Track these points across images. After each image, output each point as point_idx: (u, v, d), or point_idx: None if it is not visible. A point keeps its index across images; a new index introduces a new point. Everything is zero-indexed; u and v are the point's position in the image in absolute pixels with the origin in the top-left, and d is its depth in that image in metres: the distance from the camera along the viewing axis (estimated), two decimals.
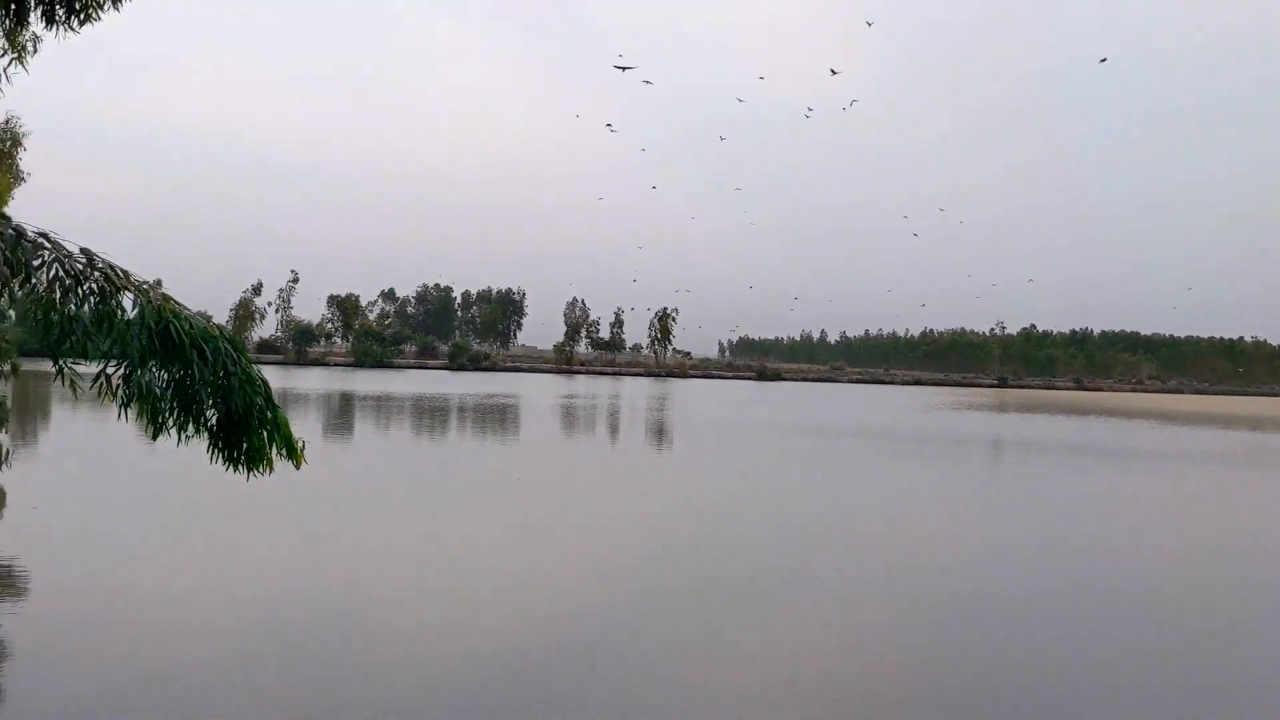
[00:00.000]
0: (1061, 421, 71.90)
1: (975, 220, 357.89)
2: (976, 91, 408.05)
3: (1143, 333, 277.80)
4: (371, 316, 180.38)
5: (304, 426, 36.28)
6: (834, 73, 79.88)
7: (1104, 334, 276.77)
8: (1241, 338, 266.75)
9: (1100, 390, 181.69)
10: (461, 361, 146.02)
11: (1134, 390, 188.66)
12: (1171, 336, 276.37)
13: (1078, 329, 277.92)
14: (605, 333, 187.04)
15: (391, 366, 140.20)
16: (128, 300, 6.77)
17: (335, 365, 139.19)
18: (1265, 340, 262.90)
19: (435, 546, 18.75)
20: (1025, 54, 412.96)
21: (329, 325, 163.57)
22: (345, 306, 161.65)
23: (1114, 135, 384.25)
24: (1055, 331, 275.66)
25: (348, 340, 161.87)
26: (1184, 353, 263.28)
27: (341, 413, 54.95)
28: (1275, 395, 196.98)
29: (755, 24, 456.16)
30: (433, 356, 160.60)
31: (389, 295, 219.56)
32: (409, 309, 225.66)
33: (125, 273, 6.90)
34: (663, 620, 14.19)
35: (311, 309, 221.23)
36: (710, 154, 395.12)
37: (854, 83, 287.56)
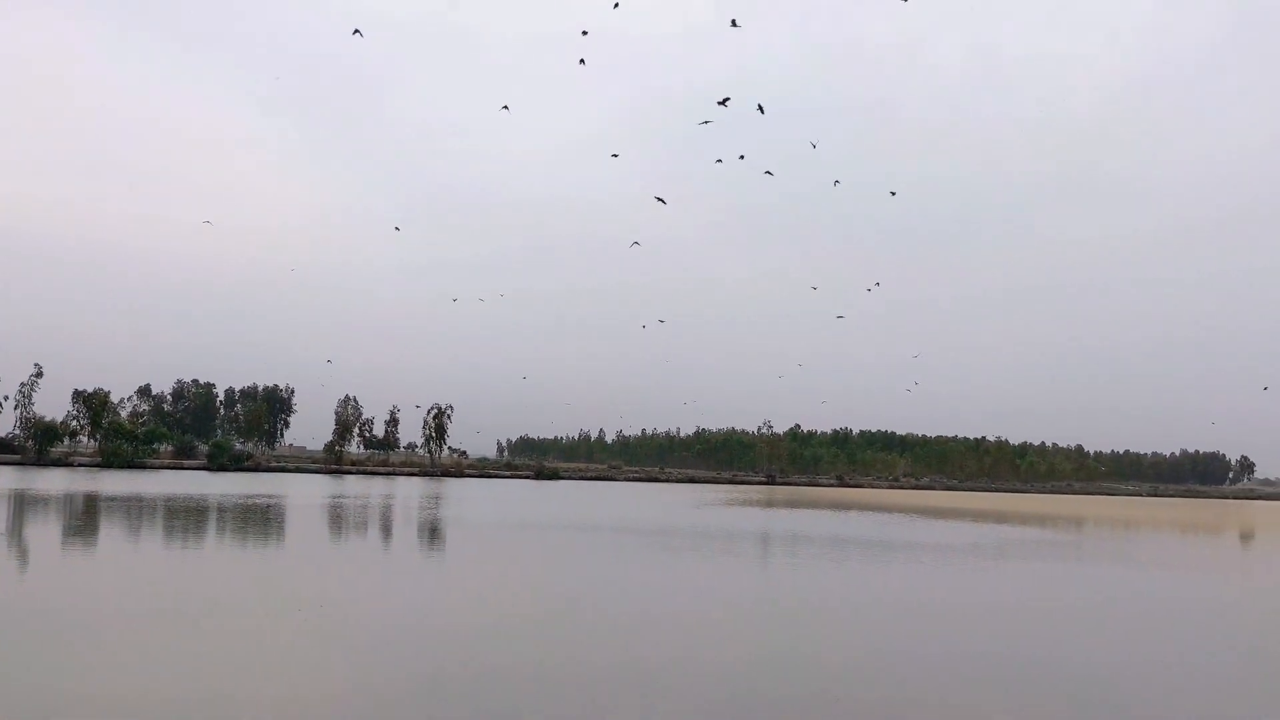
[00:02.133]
0: (825, 516, 74.69)
1: (744, 319, 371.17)
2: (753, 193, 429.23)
3: (898, 433, 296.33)
4: (124, 414, 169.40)
5: None
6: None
7: (863, 433, 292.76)
8: (984, 437, 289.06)
9: (860, 487, 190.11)
10: (222, 461, 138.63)
11: (891, 487, 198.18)
12: (924, 436, 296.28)
13: (839, 429, 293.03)
14: (379, 431, 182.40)
15: (144, 467, 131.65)
16: None
17: (80, 466, 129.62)
18: (1006, 440, 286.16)
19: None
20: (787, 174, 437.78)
21: (74, 423, 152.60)
22: (93, 403, 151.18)
23: (870, 246, 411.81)
24: (819, 431, 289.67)
25: (95, 439, 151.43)
26: (934, 451, 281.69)
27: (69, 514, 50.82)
28: (1017, 491, 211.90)
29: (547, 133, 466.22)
30: (191, 456, 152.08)
31: (144, 392, 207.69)
32: (165, 406, 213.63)
33: None
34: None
35: (57, 406, 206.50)
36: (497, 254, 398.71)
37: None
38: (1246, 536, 73.67)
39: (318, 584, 27.47)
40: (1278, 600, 33.09)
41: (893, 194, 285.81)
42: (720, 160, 70.45)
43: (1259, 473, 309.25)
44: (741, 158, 56.15)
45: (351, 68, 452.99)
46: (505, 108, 30.39)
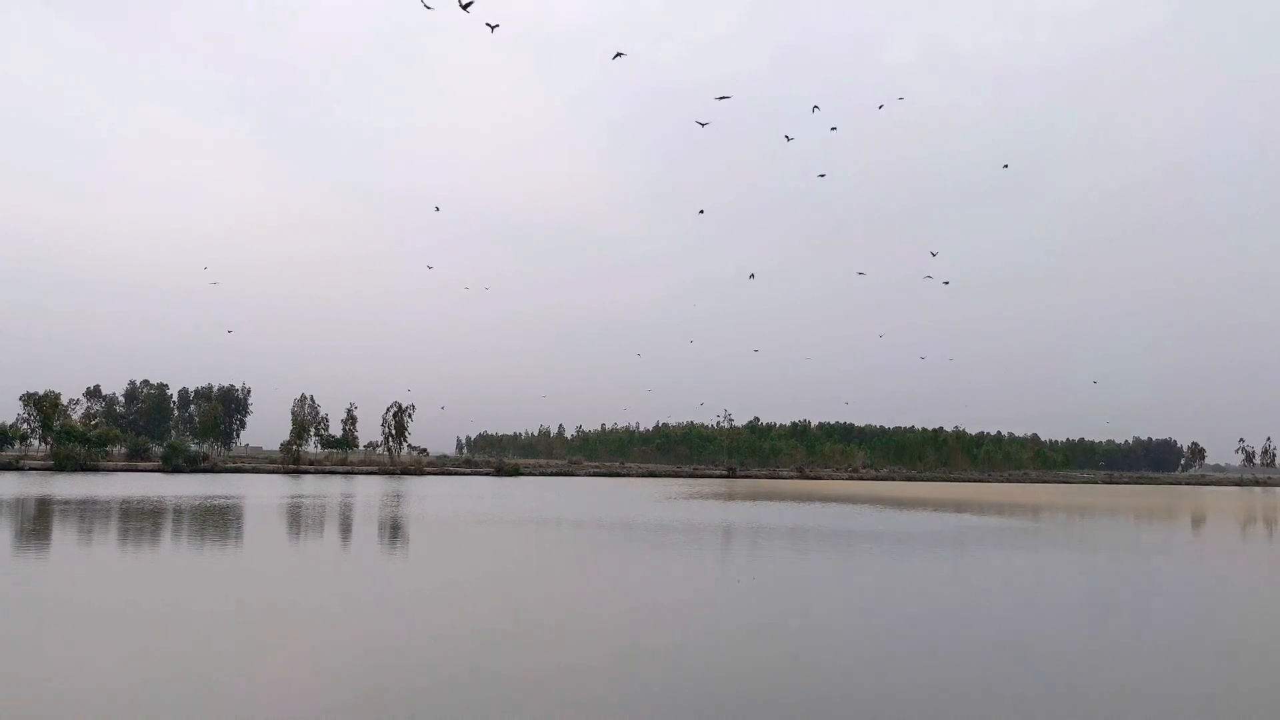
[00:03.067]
0: (786, 508, 75.01)
1: (710, 315, 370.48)
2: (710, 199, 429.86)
3: (856, 424, 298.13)
4: (75, 416, 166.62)
5: None
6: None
7: (821, 425, 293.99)
8: (941, 428, 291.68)
9: (820, 479, 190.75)
10: (177, 463, 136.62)
11: (850, 478, 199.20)
12: (882, 427, 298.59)
13: (798, 421, 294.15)
14: (337, 430, 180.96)
15: (97, 469, 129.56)
16: None
17: (31, 469, 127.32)
18: (963, 430, 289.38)
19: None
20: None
21: (24, 426, 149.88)
22: (43, 405, 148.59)
23: (824, 236, 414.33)
24: (778, 424, 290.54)
25: (46, 442, 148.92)
26: (893, 442, 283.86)
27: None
28: (975, 480, 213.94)
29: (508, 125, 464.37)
30: (145, 458, 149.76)
31: (95, 393, 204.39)
32: (118, 408, 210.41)
33: None
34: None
35: (5, 409, 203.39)
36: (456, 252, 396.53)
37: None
38: (1198, 521, 74.89)
39: (276, 586, 27.18)
40: (1227, 580, 33.66)
41: (821, 176, 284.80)
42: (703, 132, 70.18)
43: (1209, 459, 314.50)
44: (707, 121, 56.12)
45: (297, 69, 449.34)
46: (466, 7, 30.30)
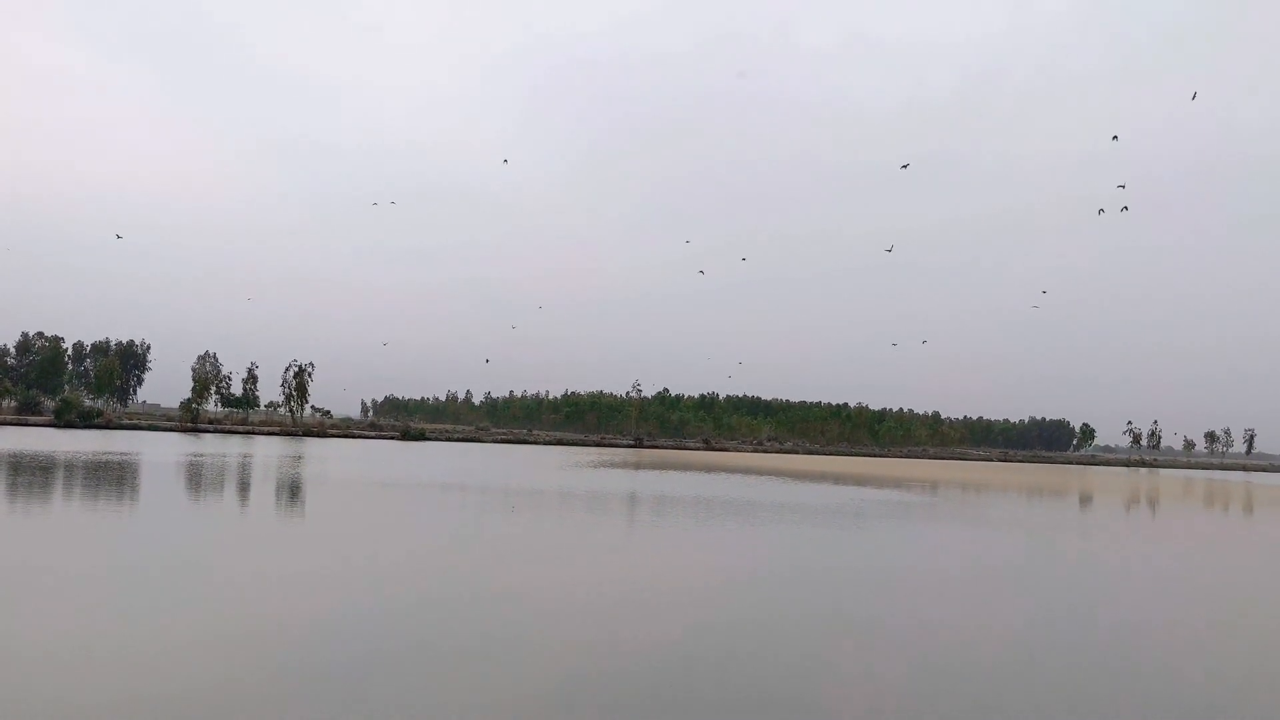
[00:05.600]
0: (691, 478, 75.80)
1: (616, 286, 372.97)
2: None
3: (763, 398, 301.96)
4: None
5: None
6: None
7: (729, 398, 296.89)
8: (846, 404, 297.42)
9: (726, 450, 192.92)
10: (69, 418, 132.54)
11: (755, 451, 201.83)
12: (787, 401, 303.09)
13: (706, 393, 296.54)
14: (238, 389, 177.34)
15: None
16: None
17: None
18: (866, 405, 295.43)
19: None
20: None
21: None
22: None
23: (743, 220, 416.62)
24: (686, 396, 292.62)
25: None
26: (798, 416, 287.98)
27: None
28: (876, 456, 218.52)
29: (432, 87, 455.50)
30: (36, 413, 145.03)
31: None
32: (9, 360, 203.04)
33: None
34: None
35: None
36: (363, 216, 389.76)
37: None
38: (1085, 499, 77.59)
39: (169, 548, 26.67)
40: (1108, 558, 34.98)
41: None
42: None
43: (1099, 440, 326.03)
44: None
45: (203, 11, 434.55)
46: None
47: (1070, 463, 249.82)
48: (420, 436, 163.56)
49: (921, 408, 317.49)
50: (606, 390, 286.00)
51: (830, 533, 37.73)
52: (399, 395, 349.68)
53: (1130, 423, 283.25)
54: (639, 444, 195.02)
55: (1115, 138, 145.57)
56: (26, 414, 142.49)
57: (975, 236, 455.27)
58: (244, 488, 48.60)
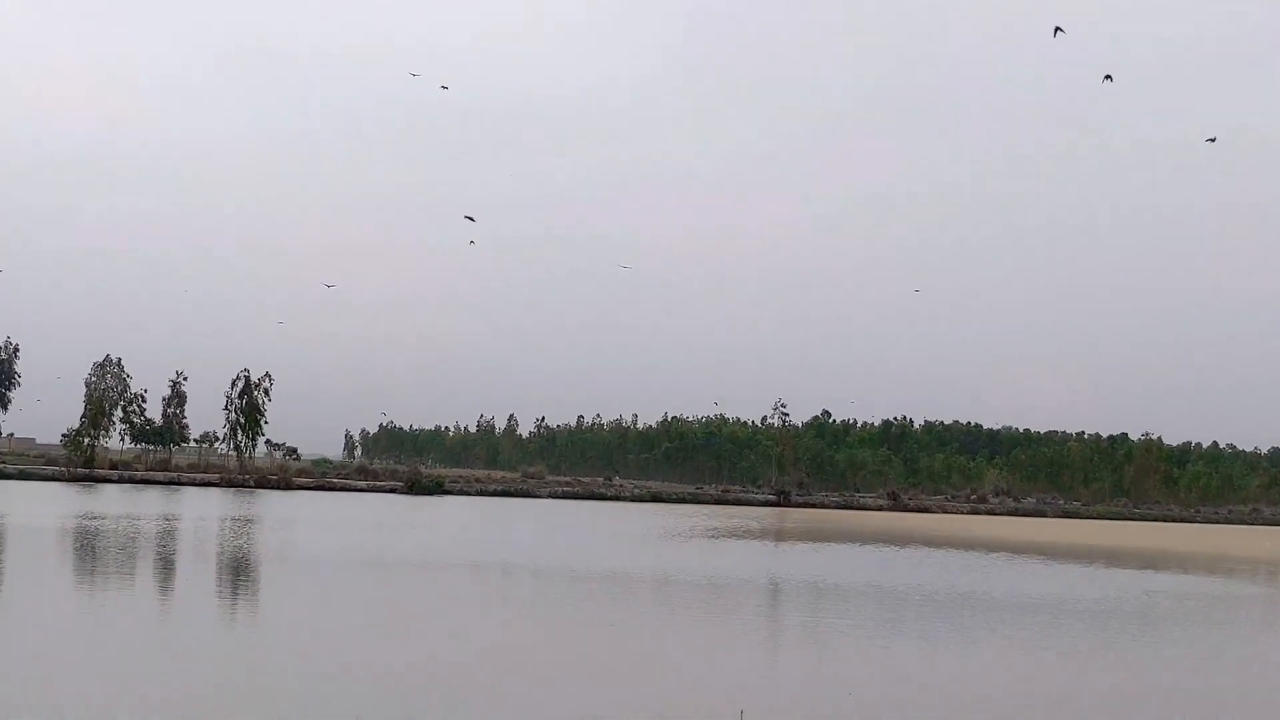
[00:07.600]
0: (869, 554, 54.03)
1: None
2: None
3: (985, 425, 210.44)
4: None
5: None
6: None
7: (928, 426, 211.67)
8: (1125, 434, 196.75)
9: (928, 511, 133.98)
10: None
11: (975, 511, 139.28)
12: (1027, 432, 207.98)
13: (894, 419, 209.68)
14: (155, 413, 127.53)
15: None
16: None
17: None
18: (1158, 438, 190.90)
19: None
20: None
21: None
22: None
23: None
24: (859, 423, 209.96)
25: None
26: (1044, 457, 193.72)
27: None
28: (1178, 520, 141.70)
29: None
30: None
31: None
32: None
33: None
34: None
35: None
36: None
37: None
38: None
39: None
40: None
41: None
42: None
43: None
44: None
45: None
46: None
47: None
48: (436, 488, 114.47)
49: (1245, 443, 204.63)
50: (730, 415, 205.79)
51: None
52: (403, 424, 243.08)
53: None
54: (784, 500, 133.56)
55: None
56: None
57: None
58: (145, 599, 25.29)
